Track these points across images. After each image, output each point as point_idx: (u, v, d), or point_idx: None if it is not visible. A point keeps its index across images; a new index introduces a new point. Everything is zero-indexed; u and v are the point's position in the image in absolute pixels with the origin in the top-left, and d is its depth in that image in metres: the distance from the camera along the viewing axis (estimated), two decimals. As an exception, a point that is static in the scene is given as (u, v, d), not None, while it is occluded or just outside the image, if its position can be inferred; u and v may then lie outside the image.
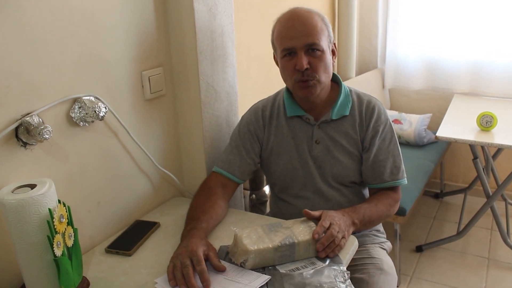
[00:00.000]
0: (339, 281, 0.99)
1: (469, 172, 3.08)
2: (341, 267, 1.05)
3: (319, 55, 1.26)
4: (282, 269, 1.05)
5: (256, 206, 1.90)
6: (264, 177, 1.88)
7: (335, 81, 1.41)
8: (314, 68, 1.26)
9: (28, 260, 0.94)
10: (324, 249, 1.09)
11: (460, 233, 2.44)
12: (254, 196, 1.89)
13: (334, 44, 1.35)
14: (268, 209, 1.88)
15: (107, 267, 1.12)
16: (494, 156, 2.78)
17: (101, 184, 1.22)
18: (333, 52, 1.33)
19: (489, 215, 2.56)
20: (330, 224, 1.13)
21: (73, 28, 1.07)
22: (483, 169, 2.41)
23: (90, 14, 1.11)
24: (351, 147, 1.36)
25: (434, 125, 3.01)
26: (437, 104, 3.07)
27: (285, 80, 1.35)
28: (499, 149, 2.75)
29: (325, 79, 1.30)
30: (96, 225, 1.23)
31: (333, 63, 1.33)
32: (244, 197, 1.79)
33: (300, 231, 1.11)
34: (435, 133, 2.83)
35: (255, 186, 1.88)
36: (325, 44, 1.27)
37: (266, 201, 1.90)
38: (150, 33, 1.30)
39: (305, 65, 1.25)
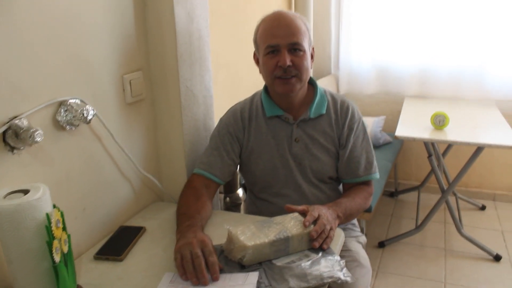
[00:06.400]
0: (337, 270, 1.03)
1: (420, 170, 3.27)
2: (335, 257, 1.09)
3: (301, 54, 1.32)
4: (278, 263, 1.07)
5: (230, 209, 1.91)
6: (238, 180, 1.91)
7: (310, 83, 1.47)
8: (297, 65, 1.32)
9: (24, 269, 0.89)
10: (317, 239, 1.13)
11: (418, 227, 2.59)
12: (228, 199, 1.90)
13: (313, 48, 1.41)
14: (242, 212, 1.90)
15: (98, 274, 1.09)
16: (444, 153, 2.97)
17: (86, 189, 1.19)
18: (311, 56, 1.40)
19: (441, 209, 2.74)
20: (319, 215, 1.18)
21: (60, 30, 1.05)
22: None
23: (75, 16, 1.09)
24: (329, 144, 1.42)
25: (387, 127, 3.17)
26: (389, 107, 3.25)
27: (265, 77, 1.39)
28: (448, 147, 2.95)
29: (305, 77, 1.36)
30: (82, 232, 1.19)
31: (311, 66, 1.39)
32: (219, 200, 1.80)
33: (292, 225, 1.14)
34: (390, 134, 3.00)
35: (229, 189, 1.89)
36: (306, 46, 1.33)
37: (240, 203, 1.92)
38: (131, 36, 1.30)
39: (288, 62, 1.30)
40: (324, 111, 1.42)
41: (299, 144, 1.42)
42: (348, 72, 3.24)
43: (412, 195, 3.24)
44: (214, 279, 0.99)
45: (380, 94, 3.23)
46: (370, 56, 3.14)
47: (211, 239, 1.10)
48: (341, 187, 1.55)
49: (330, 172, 1.45)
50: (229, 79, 2.18)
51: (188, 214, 1.22)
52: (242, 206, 1.93)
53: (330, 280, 1.01)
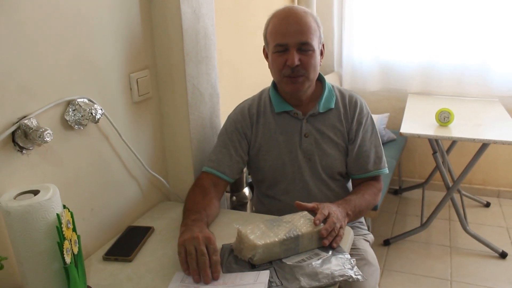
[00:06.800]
0: (348, 268, 1.02)
1: (424, 168, 3.26)
2: (346, 255, 1.08)
3: (310, 54, 1.31)
4: (288, 262, 1.07)
5: (237, 208, 1.90)
6: (244, 179, 1.90)
7: (318, 79, 1.46)
8: (305, 65, 1.31)
9: (34, 270, 0.89)
10: (327, 237, 1.12)
11: (424, 225, 2.58)
12: (234, 198, 1.89)
13: (323, 45, 1.40)
14: (248, 211, 1.89)
15: (108, 275, 1.08)
16: (448, 150, 2.96)
17: (94, 190, 1.18)
18: (321, 53, 1.39)
19: (445, 207, 2.73)
20: (329, 213, 1.17)
21: (67, 29, 1.04)
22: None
23: (82, 15, 1.08)
24: (338, 139, 1.42)
25: (390, 124, 3.16)
26: (392, 104, 3.24)
27: (273, 74, 1.39)
28: (452, 144, 2.94)
29: (313, 76, 1.36)
30: (90, 233, 1.18)
31: (320, 63, 1.38)
32: (225, 199, 1.80)
33: (301, 224, 1.13)
34: (393, 131, 2.99)
35: (235, 188, 1.89)
36: (316, 44, 1.32)
37: (247, 202, 1.91)
38: (137, 35, 1.29)
39: (296, 62, 1.29)
40: (333, 106, 1.42)
41: (309, 139, 1.41)
42: (351, 69, 3.23)
43: (416, 193, 3.23)
44: (215, 278, 0.99)
45: (383, 91, 3.22)
46: (373, 53, 3.12)
47: (215, 237, 1.10)
48: (349, 184, 1.54)
49: (339, 168, 1.44)
50: (233, 76, 2.17)
51: (194, 210, 1.22)
52: (248, 205, 1.92)
53: (341, 278, 1.00)
